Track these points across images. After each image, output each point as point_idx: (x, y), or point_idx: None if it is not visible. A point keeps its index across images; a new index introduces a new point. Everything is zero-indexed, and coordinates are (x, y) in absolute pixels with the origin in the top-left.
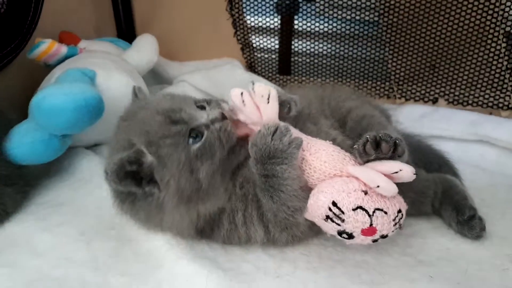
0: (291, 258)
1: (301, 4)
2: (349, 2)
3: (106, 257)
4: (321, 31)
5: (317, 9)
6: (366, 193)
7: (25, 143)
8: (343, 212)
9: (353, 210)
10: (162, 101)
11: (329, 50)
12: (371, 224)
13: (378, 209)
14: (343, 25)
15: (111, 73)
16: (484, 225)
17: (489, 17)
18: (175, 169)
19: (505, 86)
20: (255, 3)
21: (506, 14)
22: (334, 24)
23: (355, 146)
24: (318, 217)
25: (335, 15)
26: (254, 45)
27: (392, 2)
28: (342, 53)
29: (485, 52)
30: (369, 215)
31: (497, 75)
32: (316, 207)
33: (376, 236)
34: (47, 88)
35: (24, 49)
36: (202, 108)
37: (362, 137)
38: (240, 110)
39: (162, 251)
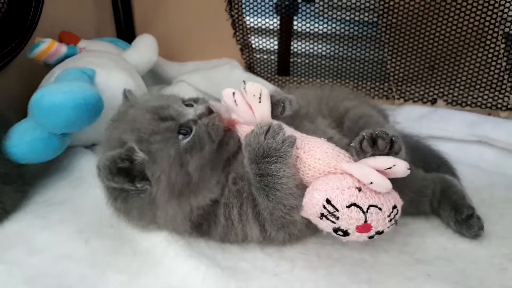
0: (289, 257)
1: (300, 5)
2: (348, 3)
3: (104, 255)
4: (320, 32)
5: (316, 10)
6: (360, 189)
7: (24, 141)
8: (337, 210)
9: (347, 207)
10: (150, 100)
11: (328, 51)
12: (365, 221)
13: (372, 205)
14: (342, 26)
15: (110, 72)
16: (482, 225)
17: (488, 18)
18: (165, 164)
19: (503, 86)
20: (255, 3)
21: (505, 15)
22: (333, 25)
23: (351, 143)
24: (313, 215)
25: (334, 16)
26: (253, 46)
27: (391, 3)
28: (341, 54)
29: (484, 53)
30: (363, 212)
31: (495, 76)
32: (311, 205)
33: (372, 233)
34: (46, 87)
35: (24, 49)
36: (190, 106)
37: (359, 135)
38: (232, 110)
39: (160, 248)
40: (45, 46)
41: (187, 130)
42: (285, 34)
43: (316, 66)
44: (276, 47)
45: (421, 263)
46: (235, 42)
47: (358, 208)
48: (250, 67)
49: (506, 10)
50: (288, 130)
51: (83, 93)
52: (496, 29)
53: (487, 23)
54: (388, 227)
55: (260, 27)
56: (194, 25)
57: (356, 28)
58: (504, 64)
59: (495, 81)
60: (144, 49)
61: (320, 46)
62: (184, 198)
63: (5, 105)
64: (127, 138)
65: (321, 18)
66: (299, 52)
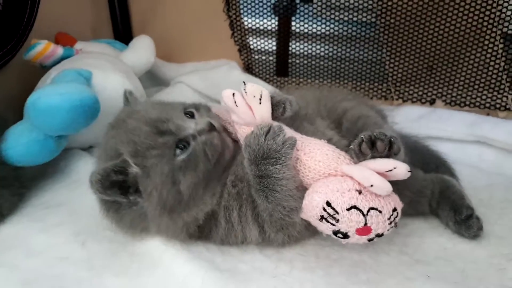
0: (287, 258)
1: (298, 6)
2: (347, 4)
3: (101, 258)
4: (319, 32)
5: (315, 10)
6: (360, 192)
7: (20, 143)
8: (337, 212)
9: (347, 210)
10: (151, 110)
11: (326, 52)
12: (365, 224)
13: (372, 208)
14: (341, 26)
15: (107, 73)
16: (481, 225)
17: (486, 18)
18: (157, 180)
19: (502, 87)
20: (253, 4)
21: (503, 15)
22: (332, 26)
23: (350, 146)
24: (313, 217)
25: (332, 16)
26: (252, 47)
27: (390, 4)
28: (339, 54)
29: (482, 53)
30: (364, 215)
31: (494, 76)
32: (311, 207)
33: (372, 235)
34: (42, 88)
35: (20, 51)
36: (191, 115)
37: (357, 137)
38: (232, 111)
39: (158, 251)
40: (41, 48)
41: (184, 144)
42: (283, 34)
43: (315, 66)
44: (274, 47)
45: (420, 264)
46: (233, 43)
47: (358, 211)
48: (248, 68)
49: (504, 10)
50: (288, 132)
51: (80, 95)
52: (494, 29)
53: (485, 23)
54: (388, 230)
55: (258, 27)
56: (191, 26)
57: (354, 28)
58: (502, 64)
59: (493, 81)
60: (141, 51)
61: (318, 46)
62: (176, 213)
63: (2, 106)
64: (122, 150)
65: (319, 18)
66: (298, 52)
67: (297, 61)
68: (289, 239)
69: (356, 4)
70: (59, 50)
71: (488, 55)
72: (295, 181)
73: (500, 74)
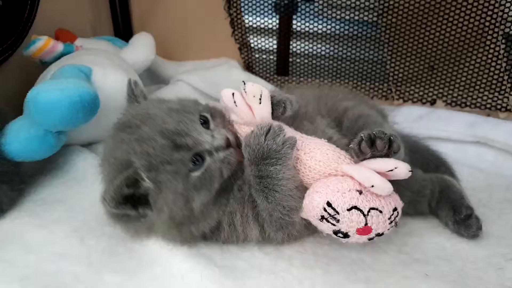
0: (286, 256)
1: (299, 4)
2: (348, 2)
3: (100, 254)
4: (320, 31)
5: (316, 9)
6: (361, 192)
7: (20, 139)
8: (337, 213)
9: (348, 210)
10: (167, 118)
11: (327, 51)
12: (366, 224)
13: (373, 208)
14: (342, 25)
15: (107, 70)
16: (480, 225)
17: (488, 18)
18: (170, 197)
19: (503, 87)
20: (253, 2)
21: (505, 15)
22: (333, 25)
23: (350, 145)
24: (313, 217)
25: (334, 15)
26: (252, 45)
27: (391, 3)
28: (340, 54)
29: (484, 53)
30: (364, 215)
31: (495, 77)
32: (311, 208)
33: (372, 235)
34: (42, 84)
35: (20, 47)
36: (206, 122)
37: (357, 136)
38: (231, 111)
39: (157, 248)
40: (41, 44)
41: (198, 159)
42: (284, 33)
43: (315, 66)
44: (275, 46)
45: (419, 263)
46: (234, 41)
47: (359, 211)
48: (249, 67)
49: (506, 10)
50: (288, 131)
51: (79, 91)
52: (496, 30)
53: (487, 23)
54: (388, 229)
55: (259, 26)
56: (192, 23)
57: (355, 27)
58: (504, 64)
59: (494, 82)
60: (141, 48)
61: (319, 46)
62: (185, 226)
63: (2, 102)
64: (135, 161)
65: (320, 17)
66: (298, 51)
67: (298, 60)
68: (288, 237)
69: (357, 3)
70: (59, 46)
71: (490, 56)
72: (295, 181)
73: (501, 75)
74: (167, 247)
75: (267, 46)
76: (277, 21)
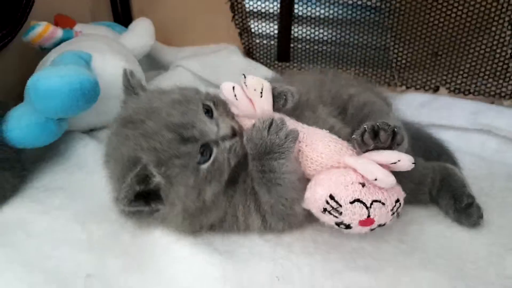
0: (286, 243)
1: None
2: None
3: (102, 239)
4: (322, 16)
5: None
6: (363, 185)
7: (21, 126)
8: (340, 205)
9: (351, 203)
10: (171, 111)
11: (329, 36)
12: (368, 216)
13: (376, 200)
14: (345, 10)
15: (106, 56)
16: (481, 213)
17: (494, 4)
18: (181, 190)
19: (508, 74)
20: None
21: (511, 1)
22: (335, 9)
23: (353, 136)
24: (315, 209)
25: None
26: (253, 30)
27: None
28: (343, 39)
29: (489, 40)
30: (367, 208)
31: (500, 64)
32: (314, 200)
33: (374, 226)
34: (42, 71)
35: (20, 33)
36: (209, 111)
37: (360, 127)
38: (232, 104)
39: (160, 233)
40: (40, 30)
41: (206, 151)
42: (286, 18)
43: (317, 51)
44: (276, 31)
45: (419, 251)
46: (234, 26)
47: (362, 204)
48: (249, 53)
49: None
50: (290, 123)
51: (79, 77)
52: (502, 15)
53: (493, 9)
54: (391, 220)
55: (260, 10)
56: (192, 8)
57: (358, 12)
58: (509, 51)
59: (499, 68)
60: (140, 33)
61: (321, 31)
62: (196, 218)
63: (2, 89)
64: (143, 158)
65: (322, 1)
66: (300, 37)
67: (299, 45)
68: (289, 227)
69: None
70: (59, 32)
71: (495, 42)
72: (297, 173)
73: (506, 61)
74: (170, 233)
75: (268, 31)
76: (278, 5)
